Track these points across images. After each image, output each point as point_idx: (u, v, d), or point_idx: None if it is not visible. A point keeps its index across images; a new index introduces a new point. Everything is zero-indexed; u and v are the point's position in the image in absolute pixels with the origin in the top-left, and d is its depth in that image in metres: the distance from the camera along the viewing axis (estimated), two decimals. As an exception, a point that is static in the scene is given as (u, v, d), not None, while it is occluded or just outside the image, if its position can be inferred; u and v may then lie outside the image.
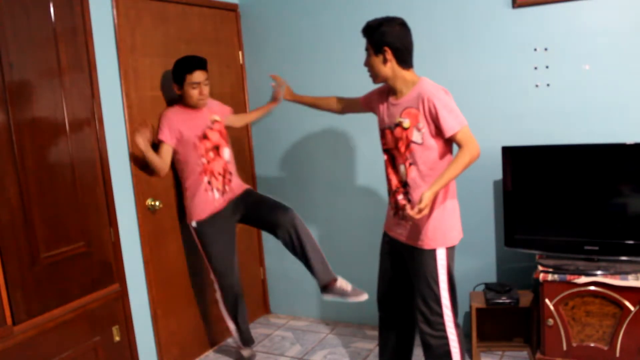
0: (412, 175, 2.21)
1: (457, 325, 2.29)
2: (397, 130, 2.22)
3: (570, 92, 2.79)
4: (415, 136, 2.17)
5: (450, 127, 2.10)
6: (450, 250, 2.26)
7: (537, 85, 2.85)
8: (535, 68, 2.83)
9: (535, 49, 2.82)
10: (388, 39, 2.17)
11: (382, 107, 2.34)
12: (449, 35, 2.98)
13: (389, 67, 2.21)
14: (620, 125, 2.70)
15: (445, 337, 2.26)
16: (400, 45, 2.19)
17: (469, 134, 2.12)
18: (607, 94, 2.72)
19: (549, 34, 2.78)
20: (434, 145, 2.17)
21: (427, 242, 2.22)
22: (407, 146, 2.20)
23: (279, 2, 3.40)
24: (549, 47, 2.79)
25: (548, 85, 2.82)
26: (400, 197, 2.29)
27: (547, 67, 2.81)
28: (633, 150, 2.54)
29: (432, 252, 2.22)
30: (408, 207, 2.12)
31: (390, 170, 2.33)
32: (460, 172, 2.09)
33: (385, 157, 2.34)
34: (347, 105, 2.67)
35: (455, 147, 2.20)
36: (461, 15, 2.94)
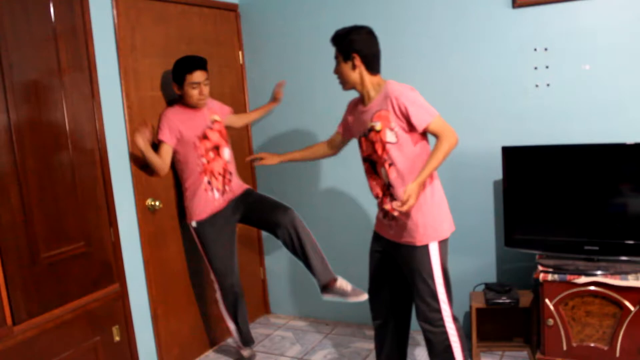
0: (393, 175, 2.26)
1: (455, 319, 2.32)
2: (371, 135, 2.27)
3: (570, 92, 2.78)
4: (389, 136, 2.22)
5: (421, 120, 2.16)
6: (443, 244, 2.28)
7: (537, 85, 2.85)
8: (535, 68, 2.83)
9: (535, 49, 2.82)
10: (356, 46, 2.24)
11: (352, 120, 2.43)
12: (449, 35, 2.98)
13: (357, 73, 2.28)
14: (620, 125, 2.70)
15: (445, 333, 2.29)
16: (367, 52, 2.26)
17: (441, 122, 2.18)
18: (607, 94, 2.72)
19: (549, 34, 2.78)
20: (409, 140, 2.22)
21: (418, 239, 2.24)
22: (384, 148, 2.24)
23: (279, 2, 3.40)
24: (549, 47, 2.79)
25: (548, 85, 2.82)
26: (387, 200, 2.33)
27: (547, 67, 2.81)
28: (633, 150, 2.54)
29: (425, 248, 2.25)
30: (395, 203, 2.13)
31: (371, 179, 2.38)
32: (442, 161, 2.15)
33: (365, 166, 2.40)
34: (335, 144, 2.69)
35: (431, 138, 2.24)
36: (461, 15, 2.94)
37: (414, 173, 2.20)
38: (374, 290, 2.57)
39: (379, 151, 2.26)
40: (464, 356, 2.33)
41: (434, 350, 2.34)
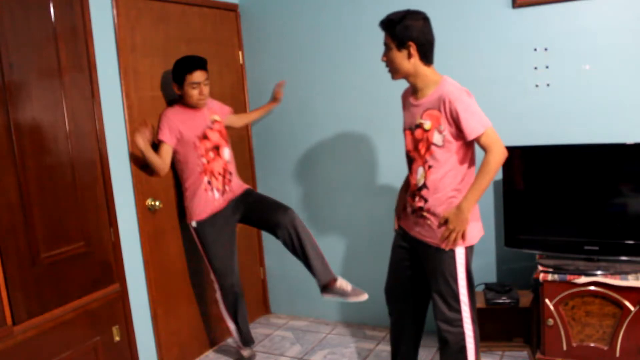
0: (432, 177, 2.17)
1: (474, 321, 2.27)
2: (418, 132, 2.19)
3: (570, 92, 2.79)
4: (436, 138, 2.13)
5: (472, 129, 2.06)
6: (469, 249, 2.23)
7: (537, 85, 2.85)
8: (535, 68, 2.83)
9: (535, 49, 2.82)
10: (413, 33, 2.10)
11: (405, 108, 2.32)
12: (449, 35, 2.98)
13: (412, 63, 2.15)
14: (620, 125, 2.70)
15: (462, 333, 2.25)
16: (424, 40, 2.13)
17: (493, 136, 2.09)
18: (607, 94, 2.72)
19: (549, 34, 2.78)
20: (455, 147, 2.13)
21: (446, 243, 2.19)
22: (428, 148, 2.16)
23: (279, 2, 3.40)
24: (549, 47, 2.79)
25: (548, 85, 2.82)
26: (417, 198, 2.25)
27: (547, 67, 2.81)
28: (633, 150, 2.54)
29: (452, 252, 2.19)
30: (447, 235, 2.13)
31: (410, 173, 2.30)
32: (490, 180, 2.08)
33: (406, 159, 2.32)
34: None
35: (478, 150, 2.17)
36: (461, 15, 2.94)
37: (451, 180, 2.15)
38: (392, 286, 2.51)
39: (422, 151, 2.18)
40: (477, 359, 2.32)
41: (448, 350, 2.29)
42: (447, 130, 2.10)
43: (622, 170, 2.60)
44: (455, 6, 2.94)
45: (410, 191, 2.31)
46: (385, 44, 2.19)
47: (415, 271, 2.40)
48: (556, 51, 2.78)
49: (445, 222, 2.16)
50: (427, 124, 2.14)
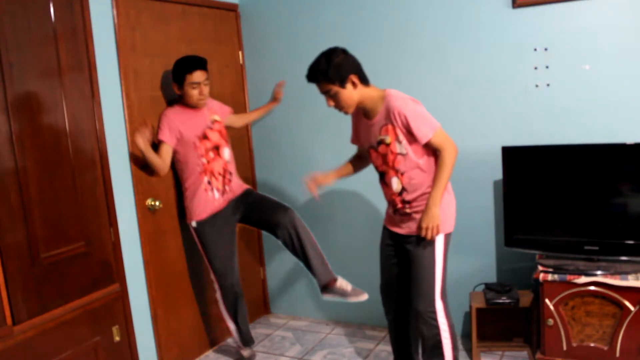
0: (407, 181, 2.31)
1: (447, 315, 2.36)
2: (381, 148, 2.31)
3: (570, 92, 2.78)
4: (399, 148, 2.27)
5: (423, 134, 2.21)
6: (448, 237, 2.36)
7: (537, 85, 2.85)
8: (535, 68, 2.83)
9: (535, 49, 2.82)
10: (347, 67, 2.23)
11: (361, 130, 2.43)
12: (449, 35, 2.98)
13: (358, 92, 2.27)
14: (620, 125, 2.70)
15: (437, 327, 2.33)
16: (357, 67, 2.27)
17: (442, 135, 2.24)
18: (607, 94, 2.72)
19: (549, 34, 2.78)
20: (417, 150, 2.26)
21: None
22: (395, 159, 2.29)
23: (279, 2, 3.40)
24: (549, 47, 2.79)
25: (548, 85, 2.82)
26: (398, 200, 2.37)
27: (547, 67, 2.81)
28: (633, 150, 2.54)
29: (432, 240, 2.31)
30: (424, 234, 2.27)
31: (383, 186, 2.43)
32: (448, 175, 2.25)
33: (378, 174, 2.43)
34: (363, 153, 2.59)
35: None
36: (461, 15, 2.94)
37: (425, 175, 2.29)
38: (385, 284, 2.60)
39: (390, 162, 2.31)
40: (454, 355, 2.35)
41: (424, 346, 2.38)
42: (404, 139, 2.25)
43: (622, 170, 2.60)
44: (455, 6, 2.94)
45: (390, 199, 2.42)
46: (326, 92, 2.28)
47: (404, 268, 2.46)
48: (556, 51, 2.78)
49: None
50: (387, 139, 2.28)
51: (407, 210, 2.36)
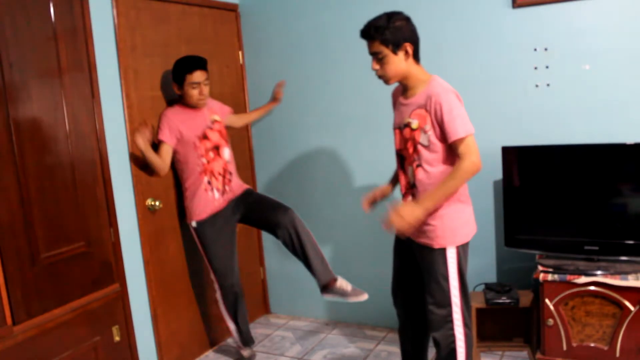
0: (420, 177, 2.17)
1: (466, 325, 2.25)
2: (406, 131, 2.18)
3: (570, 92, 2.78)
4: (422, 138, 2.12)
5: (454, 131, 2.03)
6: (462, 248, 2.20)
7: (537, 85, 2.85)
8: (535, 68, 2.83)
9: (535, 49, 2.82)
10: (406, 33, 2.08)
11: (396, 108, 2.31)
12: (449, 35, 2.98)
13: (408, 64, 2.12)
14: (620, 125, 2.70)
15: (453, 336, 2.23)
16: (415, 38, 2.12)
17: (472, 145, 2.04)
18: (607, 94, 2.72)
19: (549, 34, 2.78)
20: (440, 148, 2.11)
21: (436, 241, 2.17)
22: (415, 148, 2.16)
23: (279, 2, 3.40)
24: (549, 47, 2.79)
25: (548, 85, 2.82)
26: (409, 199, 2.25)
27: (547, 67, 2.81)
28: (633, 150, 2.54)
29: (442, 251, 2.18)
30: (388, 219, 2.06)
31: (400, 172, 2.30)
32: (456, 186, 2.05)
33: (396, 158, 2.32)
34: None
35: None
36: (461, 15, 2.94)
37: (437, 182, 2.12)
38: (396, 286, 2.50)
39: (410, 150, 2.18)
40: None
41: (439, 353, 2.29)
42: (432, 131, 2.09)
43: (622, 170, 2.60)
44: (455, 6, 2.94)
45: (402, 192, 2.31)
46: (375, 53, 2.13)
47: (416, 271, 2.39)
48: (556, 51, 2.78)
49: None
50: (415, 123, 2.13)
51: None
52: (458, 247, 2.19)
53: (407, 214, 2.04)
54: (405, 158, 2.24)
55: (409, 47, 2.10)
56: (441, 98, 2.06)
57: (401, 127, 2.22)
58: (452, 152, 2.12)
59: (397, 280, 2.49)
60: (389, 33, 2.07)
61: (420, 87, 2.15)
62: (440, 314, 2.23)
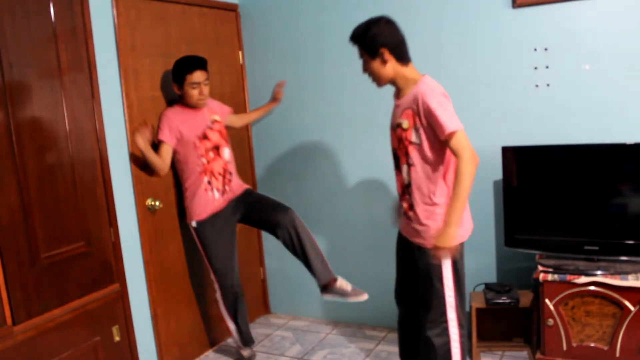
0: (413, 176, 2.21)
1: (460, 325, 2.26)
2: (398, 131, 2.23)
3: (570, 92, 2.78)
4: (414, 137, 2.16)
5: (443, 127, 2.04)
6: (457, 246, 2.20)
7: (537, 85, 2.85)
8: (535, 68, 2.83)
9: (535, 49, 2.82)
10: (381, 39, 2.15)
11: (394, 108, 2.34)
12: (449, 35, 2.98)
13: (390, 67, 2.19)
14: (620, 125, 2.70)
15: (447, 336, 2.24)
16: (394, 42, 2.17)
17: (464, 140, 2.05)
18: (607, 94, 2.72)
19: (549, 34, 2.78)
20: (432, 146, 2.14)
21: (429, 241, 2.19)
22: (408, 147, 2.19)
23: (279, 2, 3.40)
24: (549, 47, 2.79)
25: (548, 85, 2.82)
26: (405, 198, 2.28)
27: (547, 67, 2.81)
28: (633, 150, 2.54)
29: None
30: (438, 255, 2.14)
31: (396, 172, 2.33)
32: (467, 189, 2.05)
33: (392, 158, 2.35)
34: None
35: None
36: (461, 15, 2.94)
37: (431, 180, 2.17)
38: (397, 286, 2.53)
39: (403, 149, 2.22)
40: None
41: (433, 354, 2.28)
42: (422, 129, 2.13)
43: (622, 170, 2.60)
44: (455, 6, 2.94)
45: (399, 192, 2.34)
46: (361, 57, 2.24)
47: (414, 272, 2.39)
48: (556, 51, 2.78)
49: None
50: (405, 123, 2.18)
51: (410, 215, 2.25)
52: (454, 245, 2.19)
53: (442, 242, 2.10)
54: (399, 157, 2.28)
55: (385, 53, 2.15)
56: (427, 97, 2.10)
57: (394, 128, 2.27)
58: (443, 151, 2.16)
59: (400, 278, 2.51)
60: (366, 40, 2.17)
61: (410, 87, 2.20)
62: (434, 316, 2.24)
